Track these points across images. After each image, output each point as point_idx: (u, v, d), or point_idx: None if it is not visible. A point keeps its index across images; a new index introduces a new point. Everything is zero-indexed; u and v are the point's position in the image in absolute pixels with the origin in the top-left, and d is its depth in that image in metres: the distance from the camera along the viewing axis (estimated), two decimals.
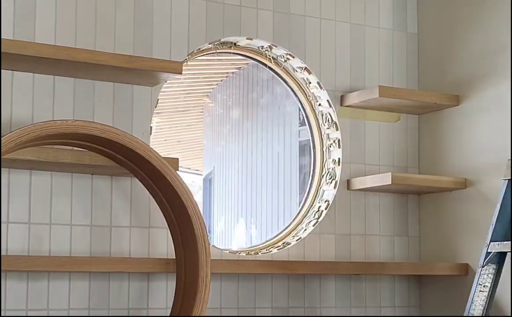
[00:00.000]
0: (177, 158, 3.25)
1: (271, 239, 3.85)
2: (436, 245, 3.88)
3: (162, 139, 9.70)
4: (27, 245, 3.13)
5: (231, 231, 9.81)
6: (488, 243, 3.44)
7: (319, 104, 3.91)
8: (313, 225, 3.76)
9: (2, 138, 2.78)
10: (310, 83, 3.87)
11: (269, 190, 9.57)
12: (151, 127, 3.42)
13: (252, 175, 9.93)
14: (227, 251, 3.66)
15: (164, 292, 3.38)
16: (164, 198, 3.24)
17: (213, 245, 3.63)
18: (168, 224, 3.29)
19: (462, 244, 3.79)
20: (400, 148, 3.99)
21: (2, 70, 3.11)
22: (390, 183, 3.66)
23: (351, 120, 3.87)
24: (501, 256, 3.46)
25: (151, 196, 3.38)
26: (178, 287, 3.23)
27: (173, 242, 3.27)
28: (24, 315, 3.12)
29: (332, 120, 3.88)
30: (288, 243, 3.74)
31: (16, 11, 3.18)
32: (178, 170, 3.24)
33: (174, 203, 3.20)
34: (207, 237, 3.14)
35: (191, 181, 10.87)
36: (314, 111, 3.93)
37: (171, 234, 3.29)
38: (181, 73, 3.24)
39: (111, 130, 2.99)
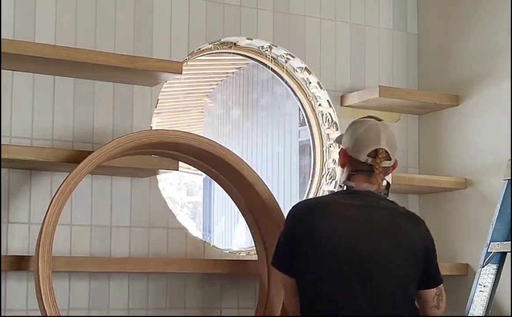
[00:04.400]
0: None
1: None
2: (436, 245, 3.87)
3: None
4: (27, 245, 3.13)
5: (231, 231, 9.81)
6: (488, 243, 3.44)
7: (319, 104, 3.91)
8: None
9: (110, 143, 2.95)
10: (310, 83, 3.87)
11: None
12: (151, 127, 3.42)
13: None
14: (227, 251, 3.67)
15: (164, 292, 3.38)
16: (251, 211, 3.32)
17: (213, 245, 3.64)
18: (252, 235, 3.36)
19: (462, 244, 3.79)
20: (400, 148, 3.97)
21: (2, 70, 3.11)
22: (390, 183, 3.66)
23: (351, 120, 3.86)
24: (501, 256, 3.46)
25: (150, 196, 3.38)
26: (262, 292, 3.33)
27: (257, 258, 3.33)
28: (24, 315, 3.12)
29: (332, 120, 3.88)
30: None
31: (16, 11, 3.18)
32: (178, 170, 3.25)
33: (262, 216, 3.26)
34: None
35: (191, 181, 10.89)
36: (314, 111, 3.93)
37: (256, 247, 3.35)
38: (181, 73, 3.24)
39: (207, 141, 3.13)
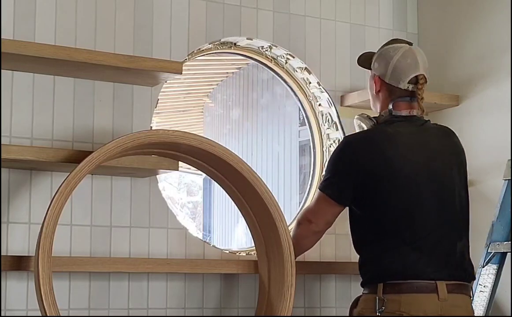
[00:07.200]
0: None
1: None
2: None
3: None
4: (27, 245, 3.13)
5: (231, 231, 9.81)
6: (488, 243, 3.44)
7: (319, 104, 3.91)
8: None
9: (110, 143, 2.95)
10: (310, 83, 3.87)
11: None
12: (151, 127, 3.42)
13: None
14: (227, 251, 3.66)
15: (164, 292, 3.38)
16: (251, 211, 3.31)
17: (213, 245, 3.64)
18: (253, 237, 3.36)
19: None
20: None
21: (2, 70, 3.11)
22: None
23: (351, 120, 3.86)
24: (501, 256, 3.46)
25: (150, 196, 3.38)
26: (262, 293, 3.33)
27: (257, 258, 3.33)
28: (24, 315, 3.12)
29: (332, 120, 3.88)
30: None
31: (16, 11, 3.18)
32: (178, 170, 3.25)
33: (262, 216, 3.26)
34: (293, 253, 3.19)
35: (191, 181, 10.88)
36: (314, 111, 3.93)
37: (256, 247, 3.35)
38: (181, 73, 3.24)
39: (207, 141, 3.12)
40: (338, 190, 3.03)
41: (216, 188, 9.61)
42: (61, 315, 2.80)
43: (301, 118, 7.00)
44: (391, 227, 2.96)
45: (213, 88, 10.43)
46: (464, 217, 3.08)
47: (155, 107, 3.45)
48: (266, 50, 3.80)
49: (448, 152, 3.07)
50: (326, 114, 3.90)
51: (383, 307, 2.88)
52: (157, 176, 3.38)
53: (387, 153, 2.96)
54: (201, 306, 3.45)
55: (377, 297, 2.90)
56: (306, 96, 3.92)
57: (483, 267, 3.44)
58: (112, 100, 3.34)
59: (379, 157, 2.96)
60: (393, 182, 2.95)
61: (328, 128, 3.90)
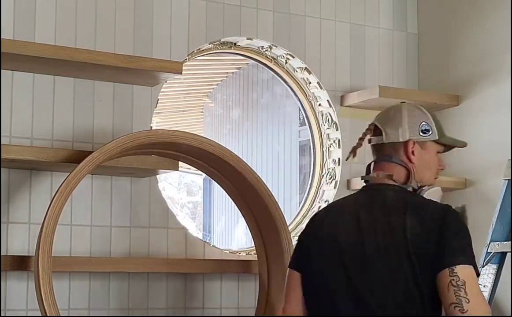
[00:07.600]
0: None
1: None
2: None
3: None
4: (27, 245, 3.13)
5: (231, 231, 9.81)
6: (488, 243, 3.44)
7: (319, 104, 3.91)
8: None
9: (110, 143, 2.94)
10: (310, 83, 3.87)
11: None
12: (151, 127, 3.42)
13: None
14: (227, 251, 3.66)
15: (164, 292, 3.38)
16: (251, 211, 3.31)
17: (213, 245, 3.64)
18: (253, 237, 3.36)
19: None
20: None
21: (2, 70, 3.11)
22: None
23: (351, 120, 3.87)
24: (501, 256, 3.46)
25: (150, 196, 3.38)
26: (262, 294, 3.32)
27: (257, 258, 3.33)
28: (24, 315, 3.12)
29: (332, 120, 3.88)
30: None
31: (16, 11, 3.18)
32: (178, 170, 3.25)
33: (262, 216, 3.26)
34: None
35: (191, 181, 10.88)
36: (314, 111, 3.93)
37: (256, 247, 3.34)
38: (181, 73, 3.24)
39: (207, 141, 3.14)
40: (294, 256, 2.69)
41: (216, 188, 9.62)
42: (61, 315, 2.81)
43: (301, 118, 7.00)
44: (311, 306, 2.60)
45: (213, 88, 10.43)
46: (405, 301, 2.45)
47: (155, 107, 3.45)
48: (266, 50, 3.80)
49: (394, 233, 2.48)
50: (326, 114, 3.90)
51: None
52: (157, 176, 3.38)
53: (325, 227, 2.60)
54: (201, 306, 3.45)
55: None
56: (306, 96, 3.92)
57: (483, 267, 3.43)
58: (112, 100, 3.34)
59: (318, 229, 2.62)
60: (318, 258, 2.57)
61: (328, 128, 3.90)
